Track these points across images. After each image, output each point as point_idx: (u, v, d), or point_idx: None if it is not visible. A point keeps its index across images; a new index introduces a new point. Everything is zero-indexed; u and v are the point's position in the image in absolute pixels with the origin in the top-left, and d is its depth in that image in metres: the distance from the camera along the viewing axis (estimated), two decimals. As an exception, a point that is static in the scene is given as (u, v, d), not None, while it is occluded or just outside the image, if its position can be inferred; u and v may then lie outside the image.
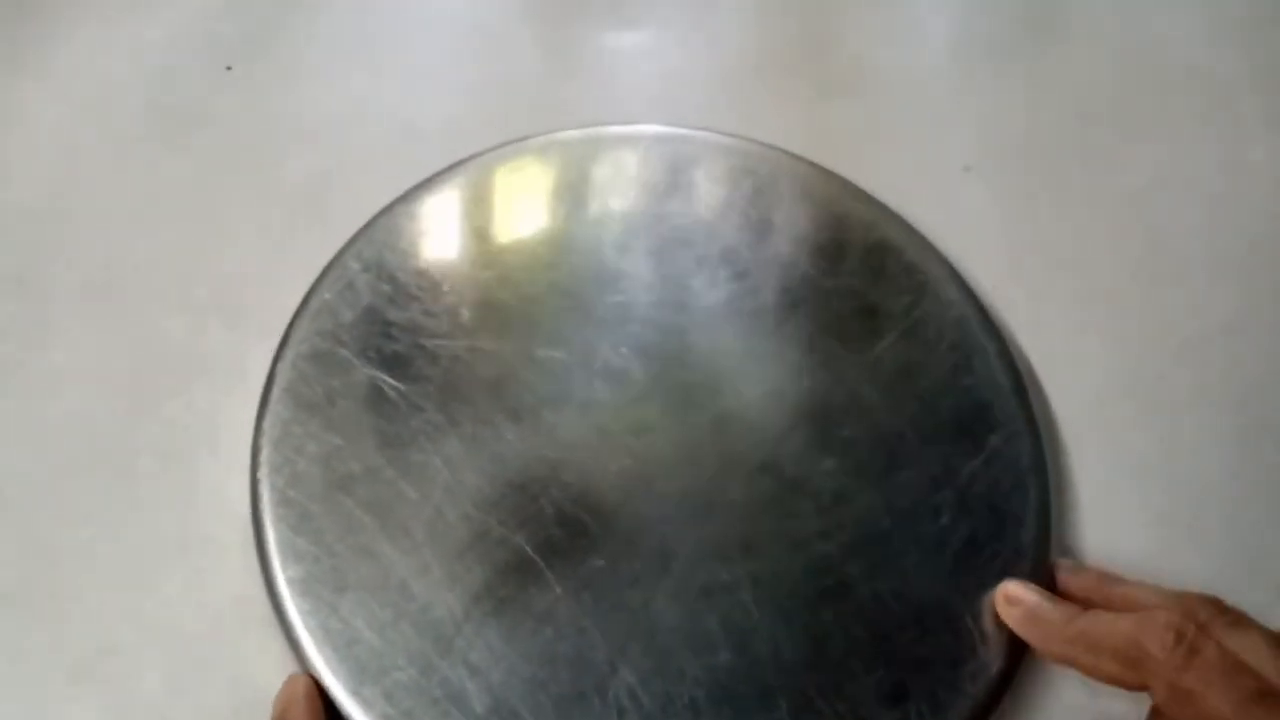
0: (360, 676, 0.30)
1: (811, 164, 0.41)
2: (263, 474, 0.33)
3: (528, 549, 0.32)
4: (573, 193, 0.40)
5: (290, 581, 0.31)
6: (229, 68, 0.46)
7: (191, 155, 0.44)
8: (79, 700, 0.32)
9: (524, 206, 0.40)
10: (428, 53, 0.48)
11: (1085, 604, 0.31)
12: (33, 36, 0.46)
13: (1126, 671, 0.28)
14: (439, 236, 0.38)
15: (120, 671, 0.33)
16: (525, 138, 0.41)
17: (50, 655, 0.33)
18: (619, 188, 0.40)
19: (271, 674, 0.33)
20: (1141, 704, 0.30)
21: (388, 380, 0.35)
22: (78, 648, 0.33)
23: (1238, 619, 0.28)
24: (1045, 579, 0.33)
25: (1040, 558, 0.33)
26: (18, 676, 0.33)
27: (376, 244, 0.38)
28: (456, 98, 0.46)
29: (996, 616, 0.32)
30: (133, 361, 0.39)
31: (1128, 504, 0.37)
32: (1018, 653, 0.32)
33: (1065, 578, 0.33)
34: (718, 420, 0.35)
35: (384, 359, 0.35)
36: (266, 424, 0.34)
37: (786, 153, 0.41)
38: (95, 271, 0.40)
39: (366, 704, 0.29)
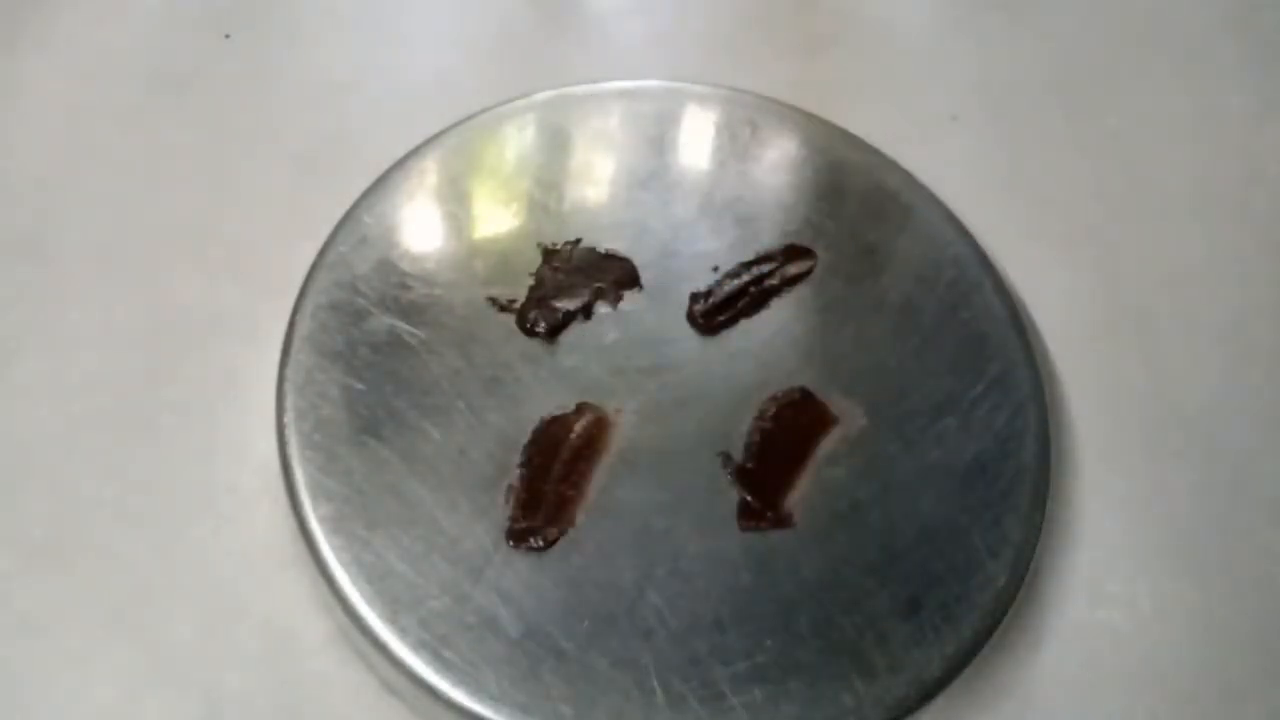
0: (395, 606, 0.31)
1: (807, 113, 0.42)
2: (289, 419, 0.34)
3: (551, 483, 0.33)
4: (577, 145, 0.41)
5: (322, 519, 0.32)
6: (227, 36, 0.47)
7: (194, 122, 0.44)
8: (114, 647, 0.33)
9: (529, 159, 0.40)
10: (423, 16, 0.48)
11: None
12: (31, 8, 0.46)
13: None
14: (449, 190, 0.39)
15: (154, 618, 0.34)
16: (528, 94, 0.42)
17: (84, 606, 0.34)
18: (622, 139, 0.41)
19: (302, 613, 0.34)
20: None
21: (407, 328, 0.36)
22: (111, 597, 0.34)
23: None
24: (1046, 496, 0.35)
25: (1041, 477, 0.35)
26: (54, 626, 0.33)
27: (388, 199, 0.38)
28: (454, 59, 0.47)
29: (1002, 532, 0.33)
30: (147, 321, 0.39)
31: (1119, 429, 0.39)
32: (1022, 566, 0.33)
33: None
34: (729, 357, 0.36)
35: (402, 308, 0.36)
36: (289, 371, 0.34)
37: (782, 103, 0.42)
38: (105, 236, 0.41)
39: (403, 632, 0.30)
